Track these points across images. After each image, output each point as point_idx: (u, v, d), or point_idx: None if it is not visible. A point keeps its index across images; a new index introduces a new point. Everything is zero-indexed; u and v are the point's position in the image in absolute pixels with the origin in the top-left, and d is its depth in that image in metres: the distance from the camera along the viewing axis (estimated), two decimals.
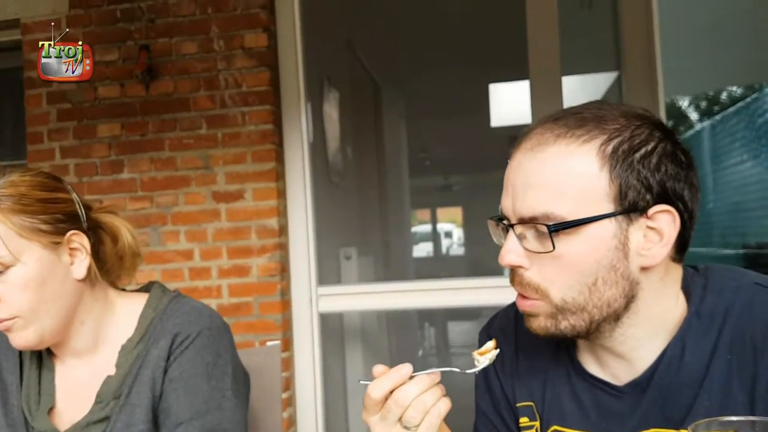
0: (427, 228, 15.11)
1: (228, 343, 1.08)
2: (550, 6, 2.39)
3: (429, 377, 0.77)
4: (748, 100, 5.50)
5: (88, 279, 1.06)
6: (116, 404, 1.03)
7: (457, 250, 15.53)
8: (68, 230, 1.03)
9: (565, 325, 0.79)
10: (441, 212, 14.94)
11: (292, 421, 2.41)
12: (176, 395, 1.02)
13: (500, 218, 0.84)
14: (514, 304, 0.97)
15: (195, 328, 1.05)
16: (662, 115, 2.28)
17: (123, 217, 1.17)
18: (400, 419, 0.76)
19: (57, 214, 1.03)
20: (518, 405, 0.93)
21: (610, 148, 0.76)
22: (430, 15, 3.84)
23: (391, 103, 4.97)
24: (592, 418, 0.85)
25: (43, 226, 1.00)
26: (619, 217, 0.76)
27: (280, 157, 2.46)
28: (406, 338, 4.67)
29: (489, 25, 3.80)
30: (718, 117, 6.35)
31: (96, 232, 1.09)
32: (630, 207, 0.76)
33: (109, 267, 1.11)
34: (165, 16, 2.45)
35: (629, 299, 0.78)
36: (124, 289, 1.16)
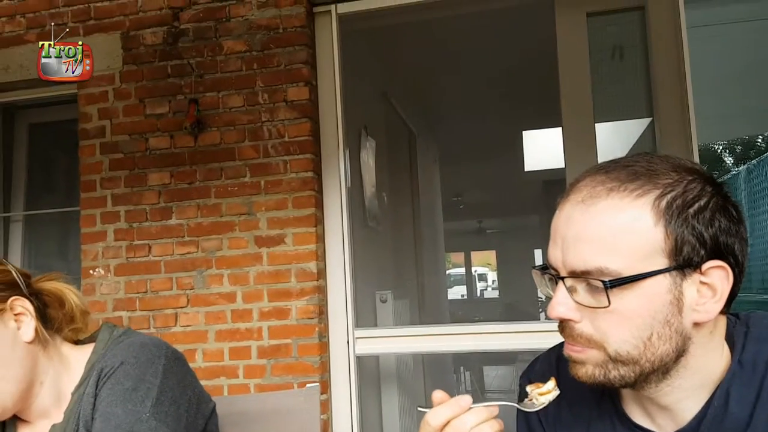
0: (461, 271, 15.04)
1: (161, 370, 1.08)
2: (582, 57, 2.47)
3: (487, 410, 0.77)
4: None
5: (38, 340, 1.10)
6: None
7: (491, 293, 15.36)
8: (9, 297, 1.08)
9: (614, 375, 0.78)
10: (475, 255, 14.88)
11: None
12: (95, 424, 1.03)
13: (544, 267, 0.84)
14: (555, 349, 0.99)
15: (118, 360, 1.07)
16: (696, 160, 2.30)
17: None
18: None
19: None
20: None
21: (664, 203, 0.75)
22: (464, 65, 3.95)
23: (425, 149, 5.07)
24: None
25: None
26: (674, 273, 0.75)
27: (319, 203, 2.54)
28: (442, 382, 4.64)
29: (522, 74, 3.89)
30: (754, 161, 6.26)
31: (40, 297, 1.14)
32: (685, 262, 0.75)
33: (59, 326, 1.16)
34: (213, 71, 2.60)
35: (680, 353, 0.78)
36: (78, 341, 1.19)
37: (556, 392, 0.81)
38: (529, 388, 0.82)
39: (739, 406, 0.77)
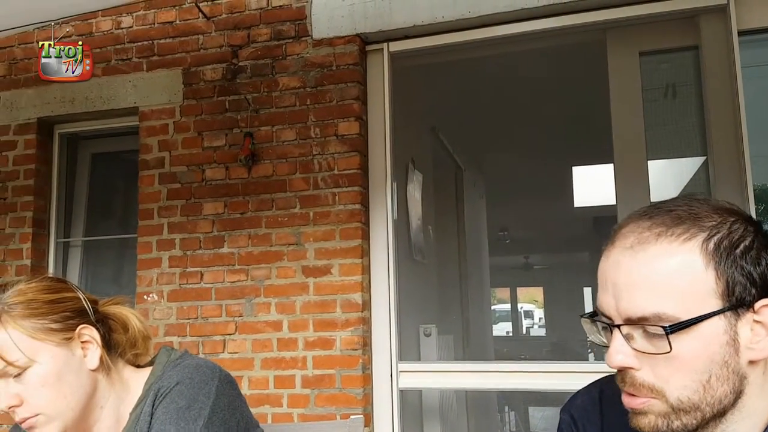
0: (506, 307, 14.81)
1: (214, 391, 1.10)
2: (635, 95, 2.46)
3: None
4: None
5: (102, 367, 1.13)
6: None
7: (538, 331, 15.05)
8: (78, 325, 1.11)
9: (677, 424, 0.76)
10: (521, 292, 14.65)
11: None
12: None
13: (593, 314, 0.83)
14: (597, 383, 0.98)
15: (174, 380, 1.10)
16: (751, 200, 2.24)
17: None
18: None
19: (65, 312, 1.10)
20: None
21: (712, 245, 0.76)
22: (513, 101, 3.97)
23: (472, 184, 5.08)
24: None
25: (54, 326, 1.08)
26: (728, 313, 0.75)
27: (366, 235, 2.58)
28: (485, 420, 4.56)
29: (573, 111, 3.88)
30: None
31: (105, 322, 1.17)
32: (738, 302, 0.75)
33: (123, 351, 1.19)
34: (268, 107, 2.69)
35: (737, 395, 0.77)
36: (138, 365, 1.23)
37: None
38: None
39: None
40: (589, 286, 10.20)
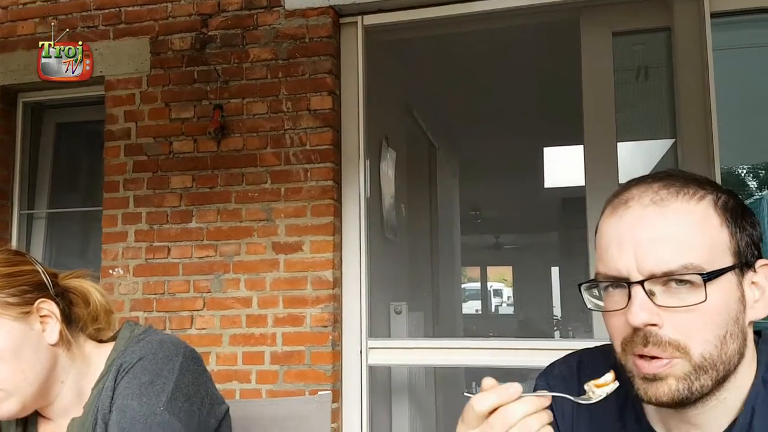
0: (476, 286, 14.98)
1: (177, 367, 1.09)
2: (606, 76, 2.46)
3: (538, 399, 0.73)
4: None
5: (62, 342, 1.11)
6: None
7: (506, 309, 15.27)
8: (36, 299, 1.08)
9: (696, 386, 0.77)
10: (491, 271, 14.80)
11: None
12: (111, 417, 1.05)
13: (592, 283, 0.83)
14: (574, 355, 0.99)
15: (137, 356, 1.09)
16: (719, 183, 2.27)
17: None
18: None
19: (23, 286, 1.08)
20: None
21: (721, 205, 0.79)
22: (487, 80, 3.96)
23: (445, 163, 5.08)
24: None
25: (11, 299, 1.06)
26: (737, 270, 0.78)
27: (337, 212, 2.55)
28: (453, 396, 4.61)
29: (545, 91, 3.89)
30: None
31: (66, 296, 1.15)
32: (745, 261, 0.79)
33: (84, 325, 1.17)
34: (238, 78, 2.63)
35: (740, 357, 0.79)
36: (101, 340, 1.20)
37: (615, 384, 0.77)
38: (586, 386, 0.79)
39: (762, 425, 0.78)
40: (557, 266, 10.35)
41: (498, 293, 17.37)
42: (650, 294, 0.77)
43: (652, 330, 0.77)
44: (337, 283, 2.53)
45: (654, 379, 0.78)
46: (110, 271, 2.69)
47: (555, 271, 10.86)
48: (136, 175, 2.71)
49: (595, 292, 0.85)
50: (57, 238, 3.19)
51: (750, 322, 0.80)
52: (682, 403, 0.78)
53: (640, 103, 2.59)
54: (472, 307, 14.20)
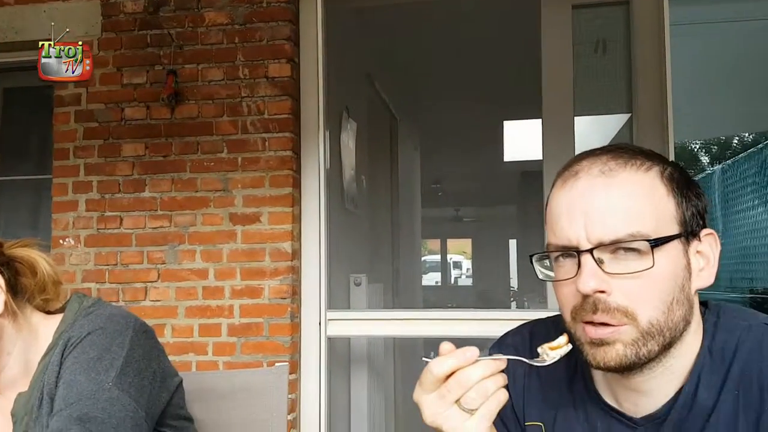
0: (436, 258, 15.13)
1: (128, 342, 1.08)
2: (565, 49, 2.47)
3: (494, 363, 0.75)
4: (760, 146, 5.54)
5: (7, 312, 1.08)
6: (30, 418, 1.05)
7: (465, 281, 15.49)
8: None
9: (644, 351, 0.78)
10: (451, 243, 14.96)
11: None
12: (58, 392, 1.03)
13: (543, 254, 0.85)
14: (526, 325, 1.01)
15: (85, 330, 1.07)
16: (671, 158, 2.32)
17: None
18: (458, 401, 0.75)
19: None
20: (527, 424, 0.94)
21: (667, 176, 0.82)
22: (449, 52, 3.94)
23: (406, 135, 5.06)
24: None
25: None
26: (682, 239, 0.80)
27: (296, 183, 2.52)
28: (412, 366, 4.67)
29: (505, 65, 3.89)
30: (728, 162, 6.38)
31: (11, 266, 1.12)
32: (690, 230, 0.81)
33: (31, 296, 1.14)
34: (193, 43, 2.55)
35: (686, 324, 0.81)
36: (49, 311, 1.18)
37: (569, 347, 0.80)
38: (540, 349, 0.81)
39: (707, 393, 0.80)
40: (514, 239, 10.51)
41: (457, 265, 17.60)
42: (599, 262, 0.78)
43: (600, 297, 0.78)
44: (296, 254, 2.51)
45: (602, 344, 0.79)
46: (61, 241, 2.61)
47: (513, 243, 11.03)
48: (87, 142, 2.62)
49: (546, 263, 0.87)
50: (6, 207, 3.08)
51: (696, 291, 0.82)
52: (629, 368, 0.80)
53: (598, 78, 2.61)
54: (432, 279, 14.35)
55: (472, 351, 0.75)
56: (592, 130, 2.83)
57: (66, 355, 1.06)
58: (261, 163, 2.47)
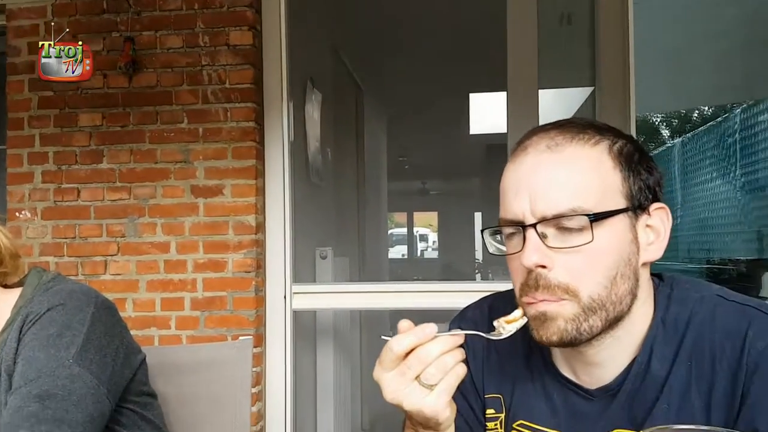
0: (403, 231, 15.19)
1: (89, 318, 1.07)
2: (530, 21, 2.46)
3: (452, 338, 0.76)
4: (719, 119, 5.67)
5: None
6: None
7: (431, 254, 15.62)
8: None
9: (585, 327, 0.79)
10: (417, 216, 15.02)
11: (261, 416, 2.43)
12: (17, 368, 1.02)
13: (496, 228, 0.86)
14: (486, 299, 1.02)
15: (45, 306, 1.06)
16: (633, 130, 2.35)
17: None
18: (418, 377, 0.76)
19: None
20: (486, 396, 0.96)
21: (616, 149, 0.82)
22: (414, 24, 3.90)
23: (372, 108, 5.02)
24: (561, 417, 0.88)
25: None
26: (630, 213, 0.81)
27: (260, 155, 2.48)
28: (378, 339, 4.70)
29: (471, 36, 3.87)
30: (689, 135, 6.51)
31: None
32: (638, 204, 0.82)
33: None
34: (151, 9, 2.46)
35: (633, 298, 0.82)
36: (6, 285, 1.16)
37: (524, 320, 0.81)
38: (496, 323, 0.82)
39: (660, 364, 0.82)
40: (479, 211, 10.60)
41: (424, 238, 17.71)
42: (542, 236, 0.79)
43: (542, 272, 0.79)
44: (261, 228, 2.48)
45: (544, 319, 0.81)
46: (17, 214, 2.53)
47: (478, 216, 11.14)
48: (42, 111, 2.53)
49: (499, 237, 0.88)
50: None
51: (644, 264, 0.83)
52: (571, 343, 0.81)
53: (563, 51, 2.61)
54: (398, 252, 14.42)
55: (431, 327, 0.75)
56: (556, 103, 2.85)
57: (25, 331, 1.04)
58: (223, 134, 2.42)
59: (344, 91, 4.29)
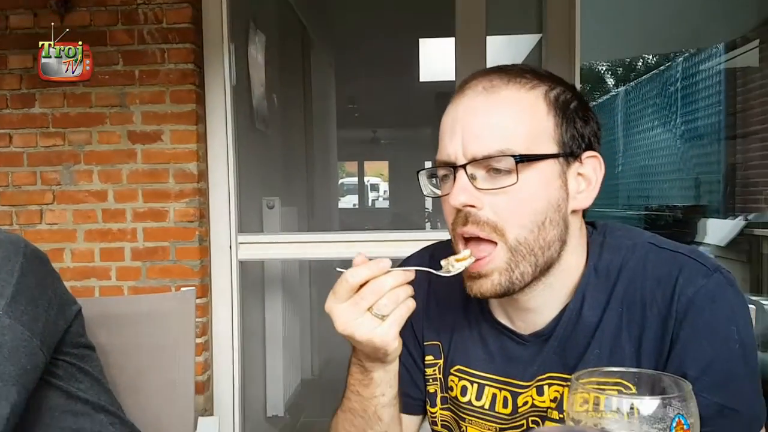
0: (354, 181, 15.15)
1: (18, 269, 1.04)
2: None
3: (404, 274, 0.79)
4: (662, 68, 5.76)
5: None
6: None
7: (383, 204, 15.67)
8: None
9: (516, 275, 0.81)
10: (369, 166, 14.97)
11: (208, 365, 2.42)
12: None
13: (432, 171, 0.87)
14: (428, 248, 1.04)
15: None
16: (577, 78, 2.36)
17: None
18: (370, 308, 0.78)
19: None
20: (425, 343, 0.98)
21: (552, 96, 0.82)
22: None
23: (320, 52, 4.89)
24: (497, 362, 0.91)
25: None
26: (561, 159, 0.81)
27: (200, 99, 2.39)
28: (328, 288, 4.72)
29: None
30: (632, 83, 6.61)
31: None
32: (570, 151, 0.82)
33: None
34: None
35: (562, 244, 0.83)
36: None
37: (472, 259, 0.82)
38: (444, 261, 0.84)
39: (591, 310, 0.84)
40: (429, 161, 10.61)
41: (375, 188, 17.70)
42: (472, 178, 0.81)
43: (471, 211, 0.81)
44: (203, 176, 2.42)
45: (478, 276, 0.83)
46: None
47: (428, 165, 11.14)
48: None
49: (435, 180, 0.89)
50: None
51: (573, 211, 0.84)
52: (505, 293, 0.83)
53: None
54: (350, 201, 14.40)
55: (385, 262, 0.78)
56: (504, 51, 2.83)
57: None
58: (160, 77, 2.32)
59: (290, 34, 4.16)
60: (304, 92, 4.47)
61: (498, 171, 0.79)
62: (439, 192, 0.87)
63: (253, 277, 3.20)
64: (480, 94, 0.82)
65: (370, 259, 0.79)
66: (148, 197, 2.36)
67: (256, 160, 3.21)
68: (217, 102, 2.43)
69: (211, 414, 2.41)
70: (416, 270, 0.80)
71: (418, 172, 0.89)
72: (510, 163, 0.78)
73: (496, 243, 0.81)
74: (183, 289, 1.75)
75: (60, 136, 2.37)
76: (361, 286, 0.78)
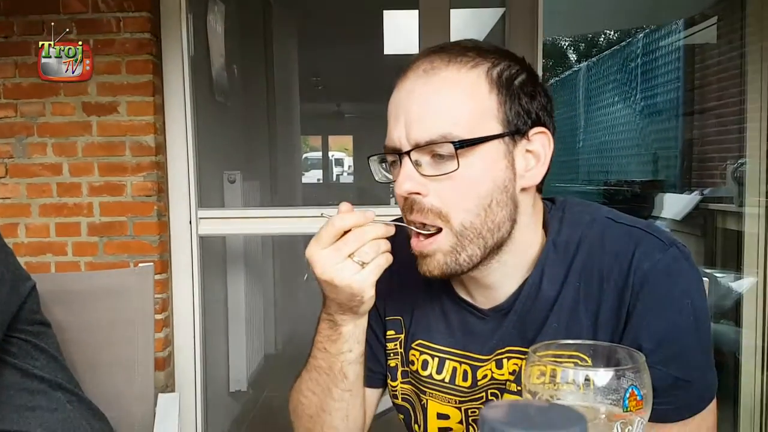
0: (318, 155, 15.03)
1: None
2: None
3: (386, 227, 0.81)
4: (623, 44, 5.83)
5: None
6: None
7: (347, 178, 15.62)
8: None
9: (464, 257, 0.81)
10: (333, 140, 14.87)
11: (168, 341, 2.39)
12: None
13: (382, 156, 0.86)
14: (396, 220, 1.04)
15: None
16: (539, 53, 2.37)
17: None
18: (351, 255, 0.80)
19: None
20: (387, 318, 0.99)
21: (495, 74, 0.81)
22: None
23: (282, 22, 4.80)
24: (457, 336, 0.92)
25: None
26: (506, 139, 0.80)
27: (157, 70, 2.32)
28: (291, 263, 4.70)
29: None
30: (594, 59, 6.67)
31: None
32: (515, 130, 0.81)
33: None
34: None
35: (512, 223, 0.83)
36: None
37: None
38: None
39: (550, 285, 0.84)
40: None
41: (339, 162, 17.61)
42: (416, 164, 0.80)
43: (416, 198, 0.81)
44: (161, 149, 2.36)
45: (424, 256, 0.83)
46: None
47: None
48: None
49: (385, 165, 0.89)
50: None
51: (524, 189, 0.83)
52: (454, 274, 0.84)
53: None
54: (314, 176, 14.30)
55: (371, 213, 0.81)
56: (468, 25, 2.81)
57: None
58: (116, 47, 2.24)
59: (251, 3, 4.06)
60: (266, 63, 4.39)
61: (441, 156, 0.79)
62: (390, 177, 0.87)
63: (215, 252, 3.16)
64: (420, 77, 0.81)
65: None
66: (104, 171, 2.29)
67: (217, 133, 3.15)
68: (175, 72, 2.37)
69: (173, 390, 2.39)
70: (396, 225, 0.82)
71: (368, 158, 0.89)
72: (451, 148, 0.78)
73: (441, 228, 0.81)
74: (141, 264, 1.73)
75: (12, 108, 2.28)
76: (345, 234, 0.80)
